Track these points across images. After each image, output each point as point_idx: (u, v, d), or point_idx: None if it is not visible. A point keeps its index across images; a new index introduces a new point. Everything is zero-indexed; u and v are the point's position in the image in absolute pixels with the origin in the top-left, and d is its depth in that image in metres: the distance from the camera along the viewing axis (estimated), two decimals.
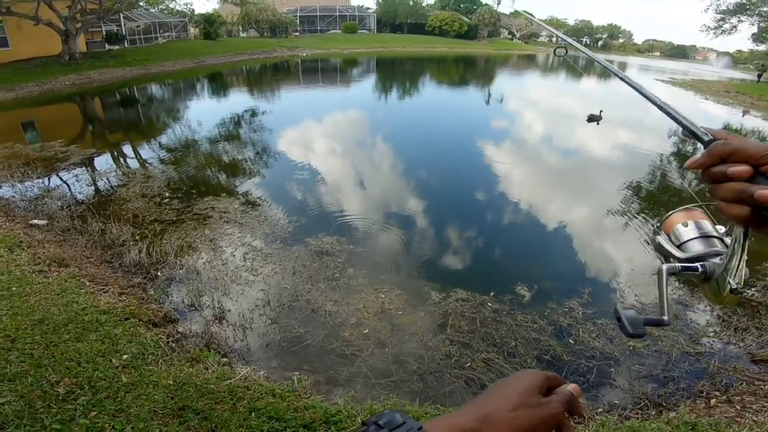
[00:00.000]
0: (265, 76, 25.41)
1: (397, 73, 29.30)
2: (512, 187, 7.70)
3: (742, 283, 0.55)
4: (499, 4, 59.48)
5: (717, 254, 0.62)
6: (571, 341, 3.65)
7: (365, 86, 21.76)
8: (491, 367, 3.31)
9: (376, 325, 3.71)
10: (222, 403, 2.35)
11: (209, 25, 31.96)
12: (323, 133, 11.33)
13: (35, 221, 5.32)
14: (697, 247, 0.64)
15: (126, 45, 26.16)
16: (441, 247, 5.35)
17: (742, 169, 0.44)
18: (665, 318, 0.61)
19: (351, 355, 3.35)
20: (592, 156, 10.30)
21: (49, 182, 6.90)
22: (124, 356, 2.68)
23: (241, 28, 40.40)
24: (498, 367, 3.32)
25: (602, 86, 27.94)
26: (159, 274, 4.36)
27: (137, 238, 5.00)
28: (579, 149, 10.95)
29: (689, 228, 0.66)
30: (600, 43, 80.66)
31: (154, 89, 19.56)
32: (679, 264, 0.62)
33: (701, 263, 0.61)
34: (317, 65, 30.27)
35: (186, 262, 4.58)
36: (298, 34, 42.83)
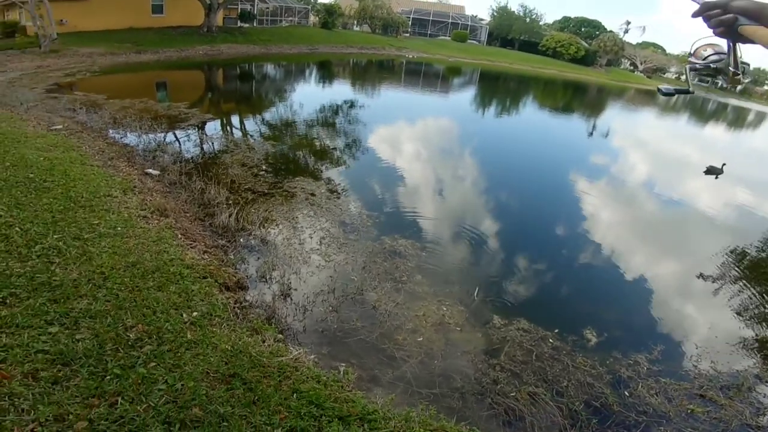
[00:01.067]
0: (370, 72, 26.17)
1: (499, 89, 28.59)
2: (598, 226, 7.13)
3: (739, 71, 1.00)
4: (626, 32, 55.45)
5: (722, 59, 1.04)
6: (626, 393, 3.37)
7: (464, 97, 21.51)
8: (536, 401, 3.13)
9: (431, 335, 3.65)
10: (269, 378, 2.44)
11: (329, 15, 33.62)
12: (413, 137, 11.39)
13: (150, 170, 5.98)
14: (712, 58, 1.07)
15: (255, 24, 28.46)
16: (512, 273, 5.12)
17: (727, 16, 0.88)
18: (690, 89, 1.19)
19: (399, 359, 3.33)
20: (698, 211, 9.19)
21: (168, 138, 7.72)
22: (195, 313, 2.87)
23: (355, 22, 41.98)
24: (542, 403, 3.13)
25: (730, 135, 24.88)
26: (241, 240, 4.68)
27: (230, 202, 5.41)
28: (684, 202, 9.84)
29: (708, 51, 1.09)
30: (739, 87, 71.81)
31: (270, 68, 21.06)
32: (699, 65, 1.10)
33: (713, 64, 1.06)
34: (421, 68, 30.52)
35: (267, 235, 4.86)
36: (408, 35, 43.54)
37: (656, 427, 3.10)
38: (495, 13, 53.31)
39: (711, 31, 0.90)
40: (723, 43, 0.96)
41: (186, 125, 8.55)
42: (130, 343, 2.43)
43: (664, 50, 70.03)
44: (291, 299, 3.87)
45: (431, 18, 49.10)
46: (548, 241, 6.37)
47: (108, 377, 2.16)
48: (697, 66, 1.06)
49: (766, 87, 73.08)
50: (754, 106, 54.64)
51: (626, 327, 4.43)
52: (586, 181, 9.83)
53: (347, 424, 2.28)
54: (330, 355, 3.28)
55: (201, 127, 8.76)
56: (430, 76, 28.24)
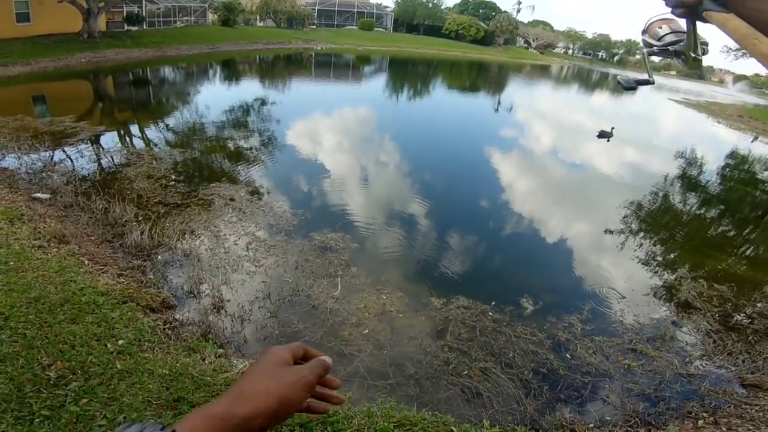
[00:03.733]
0: (278, 67, 25.37)
1: (409, 74, 29.22)
2: (517, 197, 7.64)
3: (699, 55, 0.86)
4: (518, 12, 59.36)
5: (681, 41, 0.90)
6: (568, 356, 3.64)
7: (376, 85, 21.69)
8: (488, 376, 3.28)
9: (376, 326, 3.66)
10: (218, 397, 2.29)
11: (228, 11, 31.89)
12: (331, 129, 11.28)
13: (38, 195, 5.28)
14: (669, 38, 0.92)
15: (145, 27, 26.15)
16: (444, 253, 5.29)
17: None
18: (650, 78, 1.04)
19: (349, 355, 3.31)
20: (598, 172, 10.23)
21: (56, 156, 6.87)
22: (120, 341, 2.63)
23: (258, 17, 40.34)
24: (494, 376, 3.28)
25: (614, 102, 27.82)
26: (160, 257, 4.31)
27: (140, 219, 4.96)
28: (585, 164, 10.88)
29: (664, 29, 0.94)
30: (616, 58, 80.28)
31: (167, 72, 19.54)
32: (656, 48, 0.94)
33: (671, 46, 0.91)
34: (330, 60, 30.21)
35: (188, 248, 4.53)
36: (314, 27, 42.77)
37: (602, 386, 3.36)
38: (399, 0, 54.22)
39: (668, 9, 0.78)
40: (680, 21, 0.85)
41: (75, 141, 7.65)
42: (51, 382, 2.22)
43: (552, 27, 76.04)
44: (225, 311, 3.66)
45: (337, 8, 48.62)
46: (473, 216, 6.68)
47: (37, 420, 1.97)
48: (655, 49, 0.95)
49: (638, 56, 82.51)
50: (630, 74, 61.47)
51: (555, 290, 4.76)
52: (500, 156, 10.44)
53: (309, 430, 2.21)
54: None
55: (94, 141, 7.90)
56: (340, 67, 28.04)
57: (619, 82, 1.08)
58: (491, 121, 15.51)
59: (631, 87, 1.06)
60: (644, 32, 0.99)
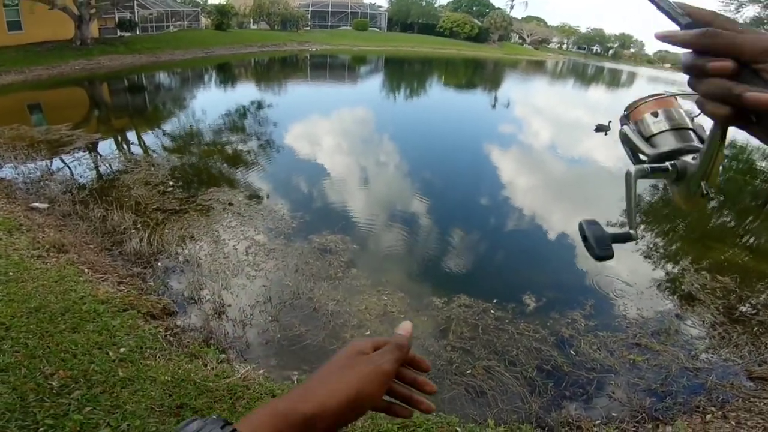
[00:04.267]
0: (273, 70, 25.35)
1: (405, 74, 29.21)
2: (516, 193, 7.64)
3: (714, 189, 0.51)
4: (512, 8, 59.37)
5: (690, 151, 0.54)
6: (572, 352, 3.61)
7: (372, 85, 21.69)
8: (492, 374, 3.27)
9: (378, 327, 3.66)
10: (221, 402, 2.29)
11: (221, 15, 31.85)
12: (328, 130, 11.27)
13: (36, 204, 5.26)
14: (668, 142, 0.56)
15: (138, 32, 26.10)
16: (445, 251, 5.28)
17: (725, 65, 0.37)
18: (632, 232, 0.55)
19: None
20: (597, 166, 10.24)
21: (53, 165, 6.85)
22: (122, 349, 2.62)
23: (252, 20, 40.30)
24: (498, 375, 3.27)
25: (611, 96, 27.83)
26: (159, 264, 4.30)
27: (139, 226, 4.94)
28: (584, 159, 10.89)
29: (660, 119, 0.57)
30: (611, 52, 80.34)
31: (162, 77, 19.51)
32: (648, 165, 0.55)
33: (672, 162, 0.54)
34: (326, 61, 30.18)
35: (187, 254, 4.52)
36: (308, 28, 42.74)
37: (607, 382, 3.32)
38: (393, 0, 54.22)
39: (694, 93, 0.41)
40: (697, 116, 0.52)
41: (72, 149, 7.63)
42: (54, 390, 2.22)
43: (545, 23, 76.12)
44: (226, 316, 3.65)
45: (330, 9, 48.57)
46: (472, 214, 6.68)
47: (41, 429, 1.98)
48: (643, 158, 0.57)
49: (632, 50, 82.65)
50: (625, 68, 61.68)
51: (557, 286, 4.73)
52: (500, 152, 10.44)
53: None
54: (279, 366, 3.15)
55: (91, 148, 7.88)
56: (336, 68, 28.02)
57: (584, 238, 0.55)
58: (488, 118, 15.51)
59: (604, 249, 0.54)
60: (626, 118, 0.61)
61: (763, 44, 0.35)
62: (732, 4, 28.20)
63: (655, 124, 0.57)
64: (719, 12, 0.40)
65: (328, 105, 14.73)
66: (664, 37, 0.40)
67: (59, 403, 2.13)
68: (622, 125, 0.61)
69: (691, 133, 0.56)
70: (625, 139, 0.60)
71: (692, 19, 0.39)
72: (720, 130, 0.45)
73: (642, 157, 0.58)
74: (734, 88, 0.36)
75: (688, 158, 0.53)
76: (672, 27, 0.40)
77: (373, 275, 4.43)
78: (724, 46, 0.37)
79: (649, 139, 0.57)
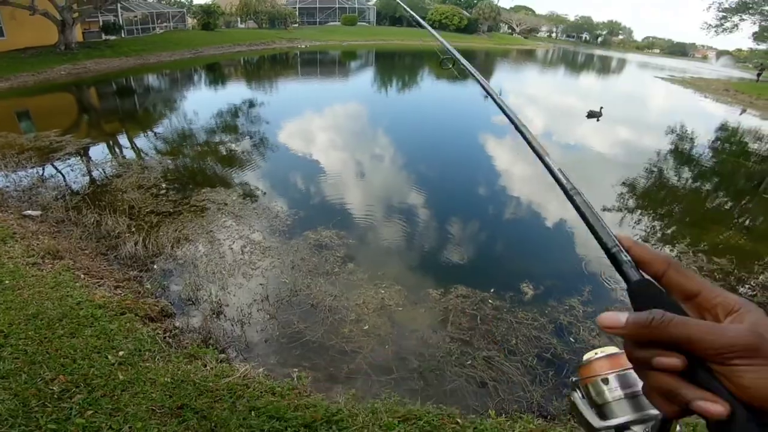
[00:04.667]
0: (263, 68, 25.17)
1: (396, 67, 29.10)
2: (510, 182, 7.65)
3: None
4: None
5: (645, 420, 0.48)
6: (571, 339, 3.62)
7: (364, 79, 21.60)
8: (492, 365, 3.28)
9: (376, 321, 3.66)
10: (221, 402, 2.30)
11: (208, 15, 31.55)
12: (321, 126, 11.23)
13: (29, 212, 5.23)
14: (621, 412, 0.49)
15: (123, 35, 25.82)
16: (441, 243, 5.30)
17: (673, 363, 0.32)
18: None
19: (351, 352, 3.30)
20: (591, 152, 10.27)
21: (44, 172, 6.79)
22: (121, 352, 2.63)
23: (239, 19, 39.93)
24: (498, 364, 3.28)
25: (602, 82, 27.88)
26: (155, 267, 4.29)
27: (133, 230, 4.92)
28: (578, 145, 10.91)
29: (611, 386, 0.50)
30: (600, 39, 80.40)
31: (151, 79, 19.33)
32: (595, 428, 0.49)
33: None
34: (316, 57, 30.00)
35: (183, 255, 4.51)
36: (297, 25, 42.41)
37: None
38: None
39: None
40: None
41: (62, 155, 7.56)
42: (56, 395, 2.23)
43: (534, 12, 75.99)
44: (224, 316, 3.65)
45: (318, 5, 48.19)
46: (467, 204, 6.69)
47: None
48: None
49: (621, 36, 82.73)
50: (615, 54, 61.75)
51: (554, 274, 4.75)
52: (493, 141, 10.44)
53: (314, 430, 2.22)
54: (279, 364, 3.15)
55: (82, 154, 7.81)
56: (326, 64, 27.85)
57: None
58: (481, 109, 15.47)
59: None
60: (576, 384, 0.55)
61: (723, 340, 0.30)
62: (724, 18, 28.23)
63: (608, 392, 0.51)
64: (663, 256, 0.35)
65: (320, 101, 14.66)
66: (607, 328, 0.35)
67: (61, 407, 2.14)
68: (572, 390, 0.56)
69: (639, 404, 0.49)
70: (573, 410, 0.54)
71: (644, 270, 0.36)
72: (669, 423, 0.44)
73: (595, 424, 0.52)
74: (683, 391, 0.32)
75: (639, 429, 0.49)
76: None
77: (370, 269, 4.44)
78: (677, 337, 0.31)
79: (601, 407, 0.51)
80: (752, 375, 0.29)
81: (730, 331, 0.31)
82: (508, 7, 65.41)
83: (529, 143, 0.53)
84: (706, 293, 0.35)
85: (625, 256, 0.37)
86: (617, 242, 0.38)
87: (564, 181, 0.50)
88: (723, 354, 0.30)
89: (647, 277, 0.36)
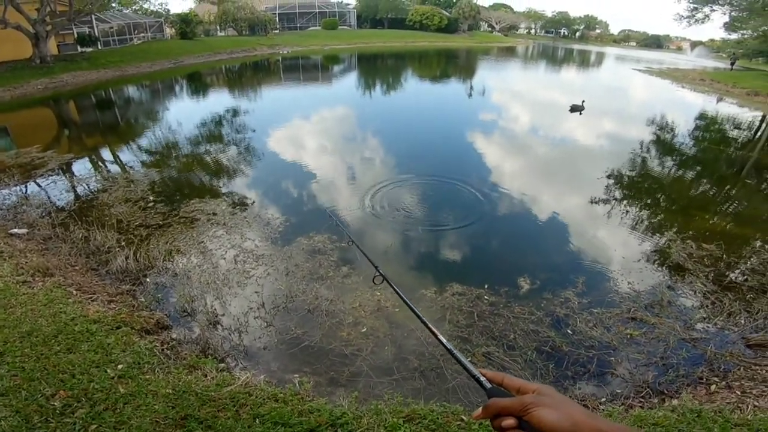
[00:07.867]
0: (246, 75, 25.01)
1: (379, 69, 29.16)
2: (499, 177, 7.72)
3: None
4: None
5: None
6: (569, 331, 3.66)
7: (347, 83, 21.60)
8: (492, 360, 3.31)
9: (373, 323, 3.68)
10: (225, 411, 2.29)
11: (185, 24, 31.26)
12: (308, 132, 11.20)
13: (15, 230, 5.14)
14: None
15: (99, 47, 25.44)
16: (433, 241, 5.33)
17: (509, 423, 0.58)
18: None
19: (351, 355, 3.31)
20: (577, 145, 10.43)
21: (27, 190, 6.67)
22: (120, 366, 2.60)
23: (218, 27, 39.63)
24: (498, 360, 3.31)
25: (582, 76, 28.30)
26: (148, 280, 4.25)
27: (123, 244, 4.87)
28: (563, 139, 11.06)
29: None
30: (578, 34, 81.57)
31: (132, 91, 19.09)
32: None
33: None
34: (298, 63, 29.93)
35: (175, 267, 4.47)
36: (277, 31, 42.25)
37: (607, 359, 3.35)
38: None
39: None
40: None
41: (45, 171, 7.44)
42: (57, 411, 2.21)
43: (512, 9, 76.79)
44: (221, 325, 3.64)
45: (298, 11, 48.07)
46: (461, 201, 6.72)
47: None
48: None
49: (598, 30, 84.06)
50: (593, 48, 62.72)
51: (547, 266, 4.81)
52: (481, 139, 10.53)
53: None
54: (280, 370, 3.16)
55: (65, 169, 7.69)
56: (309, 69, 27.80)
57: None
58: (466, 107, 15.60)
59: None
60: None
61: (520, 405, 0.58)
62: (695, 9, 28.90)
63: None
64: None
65: (304, 106, 14.64)
66: (477, 418, 0.64)
67: (64, 422, 2.12)
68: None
69: None
70: None
71: (491, 380, 0.66)
72: None
73: None
74: None
75: None
76: None
77: (364, 271, 4.45)
78: (502, 410, 0.59)
79: None
80: (537, 415, 0.56)
81: (524, 399, 0.59)
82: (487, 5, 66.02)
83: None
84: (522, 386, 0.63)
85: (483, 377, 0.66)
86: (478, 373, 0.67)
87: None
88: (523, 410, 0.57)
89: (494, 384, 0.66)
